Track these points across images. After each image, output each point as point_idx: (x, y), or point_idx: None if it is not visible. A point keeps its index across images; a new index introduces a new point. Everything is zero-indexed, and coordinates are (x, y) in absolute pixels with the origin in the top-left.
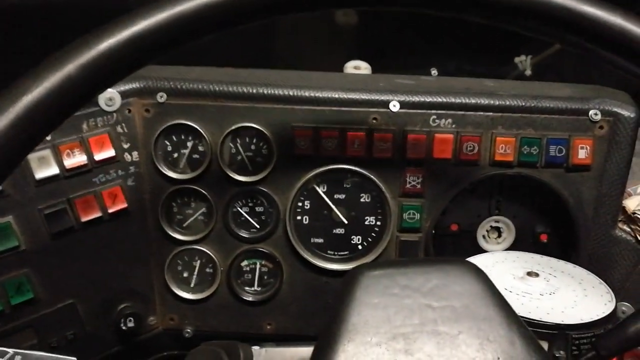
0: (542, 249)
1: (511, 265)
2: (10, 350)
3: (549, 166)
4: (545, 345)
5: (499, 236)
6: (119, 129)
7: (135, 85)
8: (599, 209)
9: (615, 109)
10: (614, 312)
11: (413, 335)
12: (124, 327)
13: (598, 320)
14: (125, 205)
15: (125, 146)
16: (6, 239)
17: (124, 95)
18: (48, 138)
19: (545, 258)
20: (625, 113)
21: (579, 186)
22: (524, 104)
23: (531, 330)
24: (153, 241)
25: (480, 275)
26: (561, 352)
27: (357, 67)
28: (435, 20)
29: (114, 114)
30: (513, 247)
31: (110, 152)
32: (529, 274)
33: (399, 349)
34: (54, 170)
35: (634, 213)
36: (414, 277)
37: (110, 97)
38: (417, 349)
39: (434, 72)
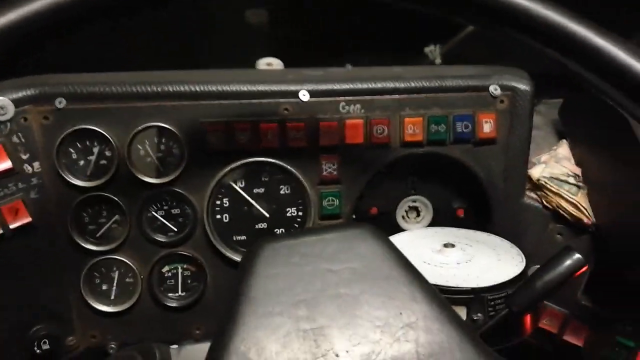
0: (460, 223)
1: (430, 240)
2: None
3: (458, 142)
4: (463, 310)
5: (418, 215)
6: (14, 139)
7: (29, 92)
8: (507, 180)
9: (512, 84)
10: (524, 272)
11: (315, 300)
12: (38, 351)
13: (509, 280)
14: (29, 219)
15: (24, 157)
16: None
17: (17, 102)
18: None
19: (462, 230)
20: (522, 87)
21: (488, 160)
22: (428, 84)
23: (447, 297)
24: (65, 255)
25: (379, 236)
26: (479, 314)
27: (269, 64)
28: (346, 16)
29: (8, 124)
30: (433, 225)
31: (6, 164)
32: (446, 245)
33: (301, 315)
34: None
35: (539, 180)
36: (315, 244)
37: (1, 106)
38: (320, 313)
39: (349, 67)
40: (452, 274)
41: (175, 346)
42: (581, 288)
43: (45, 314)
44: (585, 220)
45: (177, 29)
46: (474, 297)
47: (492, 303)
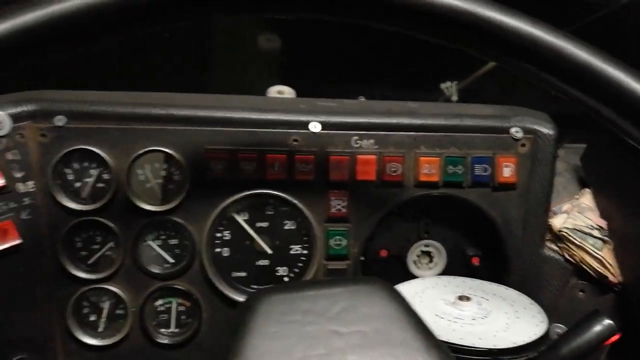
0: (474, 272)
1: (442, 291)
2: None
3: (475, 185)
4: None
5: (431, 261)
6: (9, 155)
7: (28, 107)
8: (526, 229)
9: (535, 127)
10: (547, 333)
11: None
12: None
13: (530, 343)
14: (18, 241)
15: (18, 175)
16: None
17: (15, 118)
18: None
19: (477, 281)
20: (545, 130)
21: (506, 205)
22: (446, 122)
23: (460, 357)
24: (52, 281)
25: (392, 294)
26: None
27: (281, 92)
28: (362, 48)
29: (3, 140)
30: (445, 272)
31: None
32: (461, 298)
33: None
34: None
35: (560, 231)
36: (319, 300)
37: None
38: None
39: (362, 99)
40: (467, 330)
41: None
42: (605, 353)
43: (27, 343)
44: (611, 277)
45: (187, 51)
46: (490, 359)
47: None
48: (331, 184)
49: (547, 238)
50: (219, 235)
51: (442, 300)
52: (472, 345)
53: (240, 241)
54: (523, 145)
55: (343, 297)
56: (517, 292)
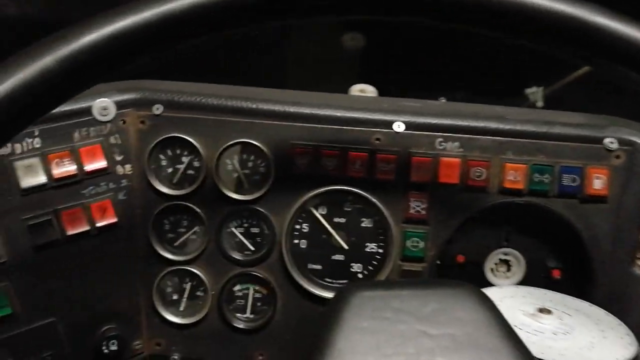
0: (554, 285)
1: (521, 301)
2: None
3: (562, 196)
4: None
5: (508, 270)
6: (112, 139)
7: (131, 96)
8: (616, 245)
9: (632, 138)
10: (637, 357)
11: None
12: (105, 351)
13: None
14: (114, 219)
15: (118, 158)
16: None
17: (119, 105)
18: (37, 145)
19: (559, 295)
20: None
21: (595, 219)
22: (535, 129)
23: None
24: (142, 260)
25: (485, 300)
26: None
27: (363, 90)
28: (446, 48)
29: (108, 124)
30: (523, 283)
31: (101, 163)
32: (541, 310)
33: None
34: (41, 179)
35: None
36: (410, 300)
37: (104, 107)
38: None
39: (443, 100)
40: (547, 345)
41: None
42: None
43: (116, 315)
44: None
45: (272, 47)
46: None
47: None
48: (412, 185)
49: (637, 256)
50: (298, 227)
51: (520, 311)
52: None
53: (317, 235)
54: (617, 157)
55: (434, 299)
56: (603, 310)
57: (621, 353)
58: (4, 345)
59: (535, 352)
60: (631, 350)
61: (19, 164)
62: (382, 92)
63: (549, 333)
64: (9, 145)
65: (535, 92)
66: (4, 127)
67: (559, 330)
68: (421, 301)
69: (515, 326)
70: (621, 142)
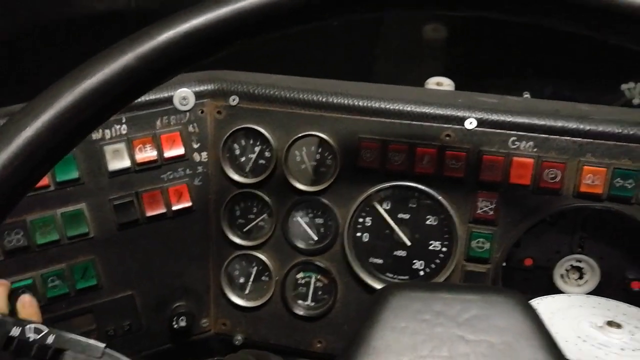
0: (632, 298)
1: (590, 312)
2: (45, 328)
3: None
4: None
5: (580, 278)
6: (190, 128)
7: (209, 86)
8: None
9: None
10: None
11: None
12: (175, 326)
13: None
14: (189, 204)
15: (195, 146)
16: (78, 225)
17: (198, 95)
18: (124, 132)
19: (635, 309)
20: None
21: None
22: (620, 130)
23: None
24: (213, 243)
25: (528, 310)
26: None
27: (440, 83)
28: (532, 40)
29: (187, 113)
30: (596, 292)
31: (180, 150)
32: (610, 323)
33: None
34: (126, 163)
35: None
36: (451, 303)
37: (184, 97)
38: None
39: (527, 95)
40: None
41: None
42: None
43: (187, 293)
44: None
45: (351, 38)
46: None
47: None
48: (481, 184)
49: None
50: (361, 220)
51: (588, 322)
52: None
53: (380, 229)
54: None
55: (476, 305)
56: None
57: None
58: (90, 311)
59: None
60: None
61: (108, 149)
62: (463, 86)
63: (616, 348)
64: (100, 130)
65: (632, 89)
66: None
67: (628, 346)
68: (462, 306)
69: (579, 337)
70: None
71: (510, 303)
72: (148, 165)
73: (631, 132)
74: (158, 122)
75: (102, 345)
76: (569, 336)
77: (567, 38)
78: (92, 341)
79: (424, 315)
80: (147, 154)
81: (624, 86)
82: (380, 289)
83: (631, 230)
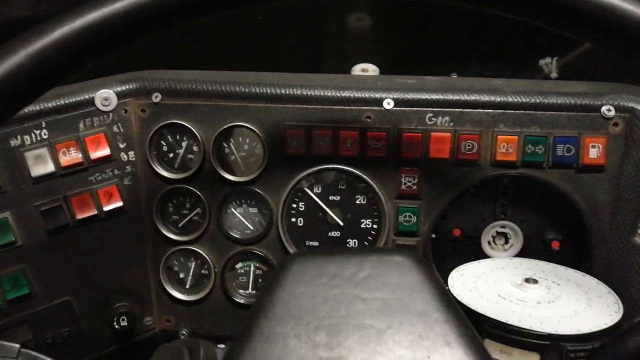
0: (553, 257)
1: (512, 272)
2: None
3: (558, 167)
4: (536, 357)
5: (506, 242)
6: (115, 128)
7: (131, 85)
8: (615, 214)
9: (631, 105)
10: (620, 324)
11: (337, 327)
12: (117, 327)
13: (597, 332)
14: (121, 204)
15: (122, 145)
16: (3, 235)
17: (120, 95)
18: (45, 137)
19: (553, 265)
20: None
21: (592, 189)
22: (528, 99)
23: (517, 339)
24: (149, 241)
25: (420, 265)
26: None
27: (365, 69)
28: (458, 25)
29: (110, 114)
30: (521, 255)
31: (106, 151)
32: (527, 280)
33: (318, 341)
34: (50, 168)
35: None
36: (346, 265)
37: (106, 97)
38: (339, 343)
39: (454, 76)
40: (528, 313)
41: (222, 346)
42: None
43: (127, 294)
44: None
45: (279, 31)
46: (550, 344)
47: (573, 356)
48: (403, 161)
49: (639, 225)
50: (294, 206)
51: (509, 281)
52: (529, 329)
53: (313, 213)
54: (616, 124)
55: (372, 265)
56: (595, 279)
57: (603, 320)
58: (25, 321)
59: (514, 320)
60: (614, 318)
61: (29, 155)
62: (393, 72)
63: (533, 302)
64: (19, 136)
65: (549, 64)
66: None
67: (544, 299)
68: (358, 267)
69: (500, 295)
70: (619, 109)
71: (402, 261)
72: (74, 169)
73: (538, 101)
74: (81, 125)
75: (17, 345)
76: (491, 295)
77: (489, 19)
78: (6, 343)
79: (321, 278)
80: (72, 157)
81: (541, 62)
82: (282, 259)
83: (546, 193)
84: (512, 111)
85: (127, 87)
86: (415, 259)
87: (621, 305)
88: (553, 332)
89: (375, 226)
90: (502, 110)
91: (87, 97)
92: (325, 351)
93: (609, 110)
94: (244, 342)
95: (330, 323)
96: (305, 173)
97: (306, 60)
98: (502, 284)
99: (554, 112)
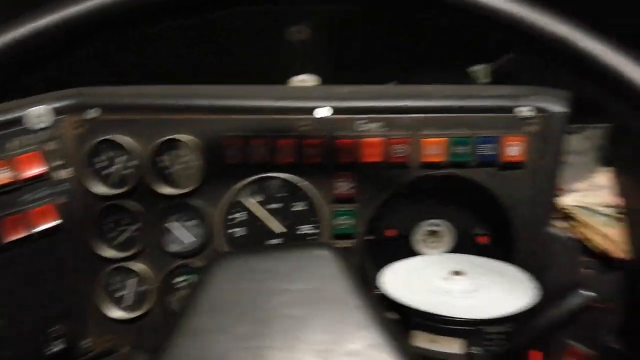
0: (483, 251)
1: (441, 267)
2: None
3: (481, 165)
4: (463, 343)
5: (438, 240)
6: (51, 145)
7: (67, 102)
8: (533, 207)
9: (544, 105)
10: (535, 307)
11: (260, 319)
12: (47, 353)
13: (514, 315)
14: (56, 223)
15: (58, 163)
16: None
17: (56, 112)
18: None
19: (480, 259)
20: (555, 109)
21: (513, 184)
22: (451, 103)
23: (444, 327)
24: (85, 260)
25: (336, 258)
26: (478, 348)
27: (304, 80)
28: (397, 34)
29: (45, 131)
30: (453, 251)
31: (40, 169)
32: (455, 273)
33: (242, 333)
34: None
35: (567, 208)
36: (271, 261)
37: (39, 115)
38: (262, 333)
39: (394, 84)
40: (454, 303)
41: None
42: (608, 328)
43: (62, 316)
44: (616, 254)
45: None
46: (472, 329)
47: (493, 337)
48: (337, 167)
49: (556, 216)
50: (234, 217)
51: (437, 276)
52: (452, 316)
53: (254, 222)
54: (531, 124)
55: (293, 259)
56: (517, 268)
57: (520, 304)
58: None
59: (442, 311)
60: (530, 301)
61: None
62: (336, 81)
63: (458, 293)
64: None
65: (480, 70)
66: None
67: (468, 289)
68: (281, 262)
69: (430, 290)
70: (534, 109)
71: (321, 255)
72: (3, 189)
73: (460, 104)
74: (10, 144)
75: None
76: (421, 290)
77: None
78: None
79: (246, 275)
80: (1, 176)
81: (472, 68)
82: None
83: (472, 191)
84: (439, 115)
85: (63, 103)
86: (332, 252)
87: (540, 290)
88: (474, 318)
89: (314, 231)
90: (430, 114)
91: (17, 115)
92: (249, 342)
93: (524, 111)
94: (169, 339)
95: (254, 315)
96: (243, 182)
97: (249, 74)
98: (431, 278)
99: (476, 114)
